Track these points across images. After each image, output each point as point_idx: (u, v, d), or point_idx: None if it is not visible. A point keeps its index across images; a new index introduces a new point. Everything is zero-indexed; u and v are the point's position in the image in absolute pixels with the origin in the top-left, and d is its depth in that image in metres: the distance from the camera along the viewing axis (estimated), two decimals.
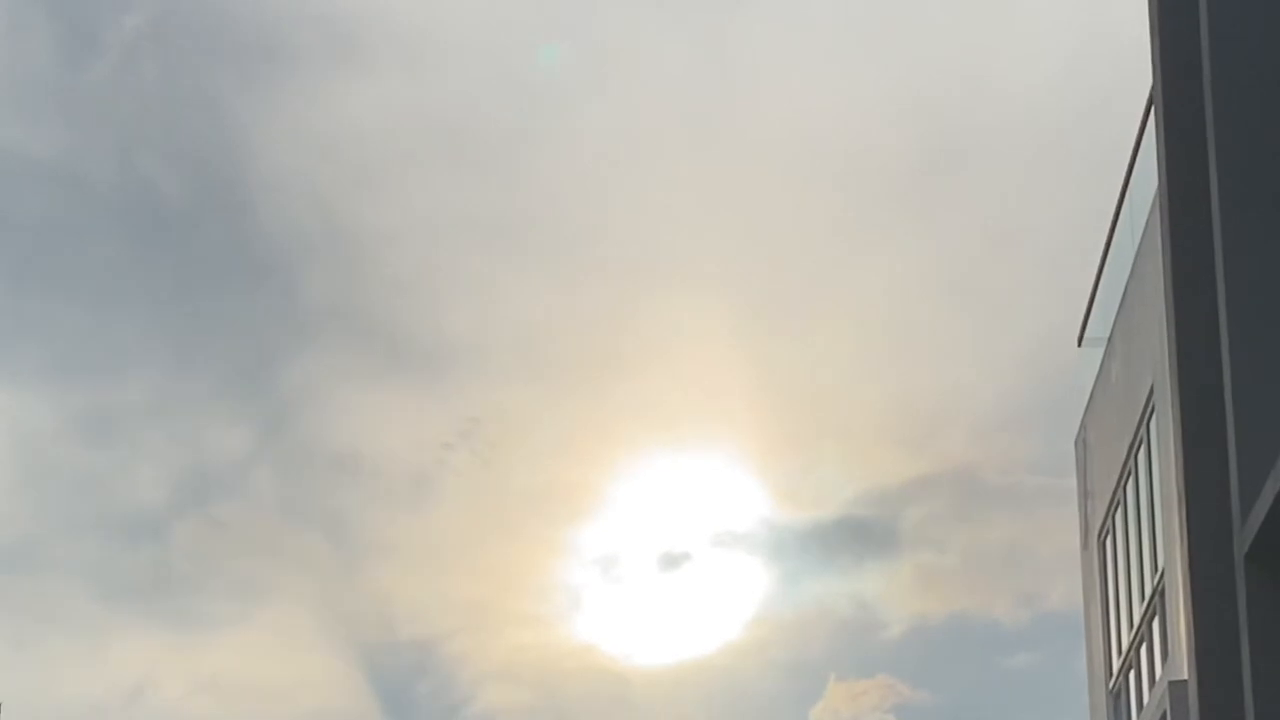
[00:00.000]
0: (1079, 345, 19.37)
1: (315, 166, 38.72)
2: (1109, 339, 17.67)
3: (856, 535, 40.88)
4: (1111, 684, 17.58)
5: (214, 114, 38.42)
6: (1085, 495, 19.11)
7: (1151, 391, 15.04)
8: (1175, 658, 13.80)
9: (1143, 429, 15.61)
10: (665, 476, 40.03)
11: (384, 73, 37.73)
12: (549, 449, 40.19)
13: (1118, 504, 17.10)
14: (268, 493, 40.55)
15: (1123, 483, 16.76)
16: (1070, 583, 19.29)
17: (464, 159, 38.61)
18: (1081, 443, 19.45)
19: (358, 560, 39.94)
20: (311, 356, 40.16)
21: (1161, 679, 14.35)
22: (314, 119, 37.90)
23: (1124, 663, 16.92)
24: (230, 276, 40.16)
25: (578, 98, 38.34)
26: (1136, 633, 16.10)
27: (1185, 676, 11.73)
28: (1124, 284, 16.64)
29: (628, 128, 38.36)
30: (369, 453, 39.84)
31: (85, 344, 39.75)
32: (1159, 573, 14.94)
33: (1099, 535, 18.11)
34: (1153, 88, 12.13)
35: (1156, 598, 15.10)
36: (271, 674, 36.54)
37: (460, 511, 40.73)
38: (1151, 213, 14.52)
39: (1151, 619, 15.45)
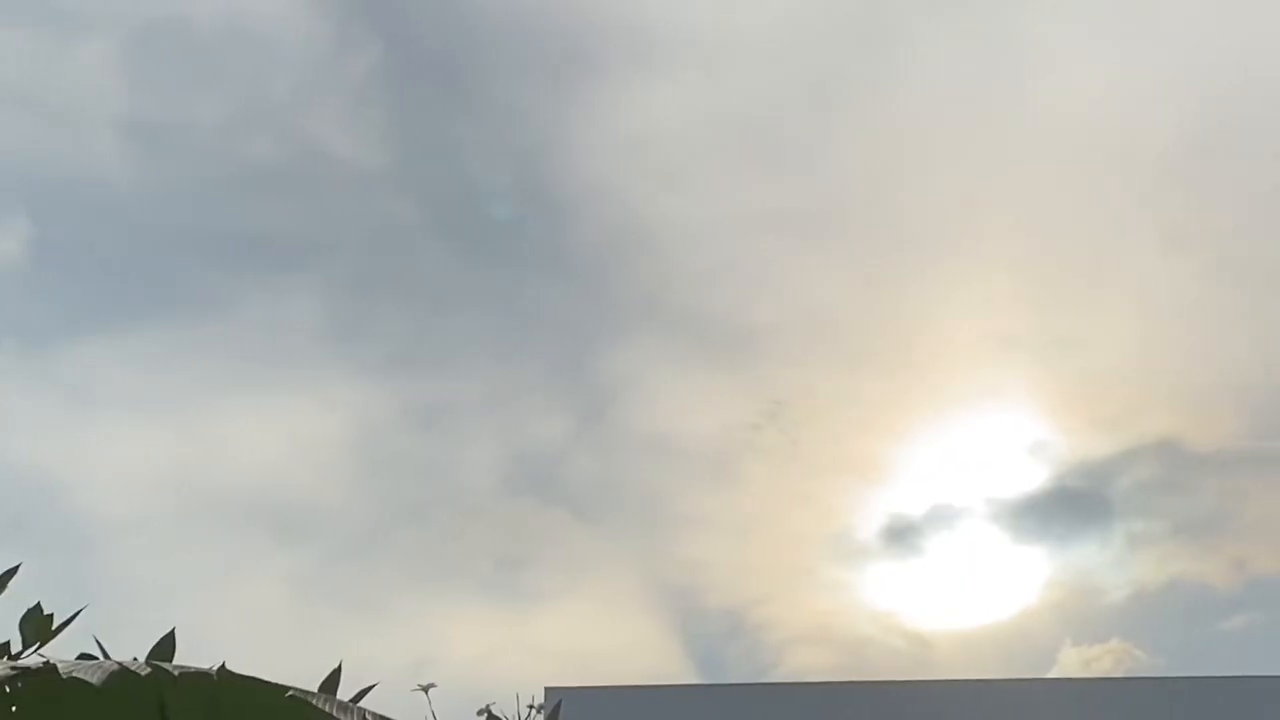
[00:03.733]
0: None
1: (624, 169, 39.76)
2: None
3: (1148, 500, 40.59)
4: None
5: (530, 123, 39.69)
6: None
7: None
8: None
9: None
10: (965, 450, 40.32)
11: (683, 76, 38.58)
12: (850, 427, 40.72)
13: None
14: (588, 475, 41.74)
15: None
16: None
17: (761, 155, 39.31)
18: None
19: (672, 535, 40.90)
20: (626, 348, 41.24)
21: None
22: (621, 124, 38.93)
23: None
24: (550, 275, 41.46)
25: (866, 91, 38.73)
26: None
27: None
28: None
29: (913, 119, 38.65)
30: (680, 435, 40.76)
31: (420, 341, 41.38)
32: None
33: None
34: None
35: None
36: (596, 641, 37.62)
37: (766, 488, 41.45)
38: None
39: None
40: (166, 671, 4.75)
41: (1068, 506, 40.17)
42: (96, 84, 36.93)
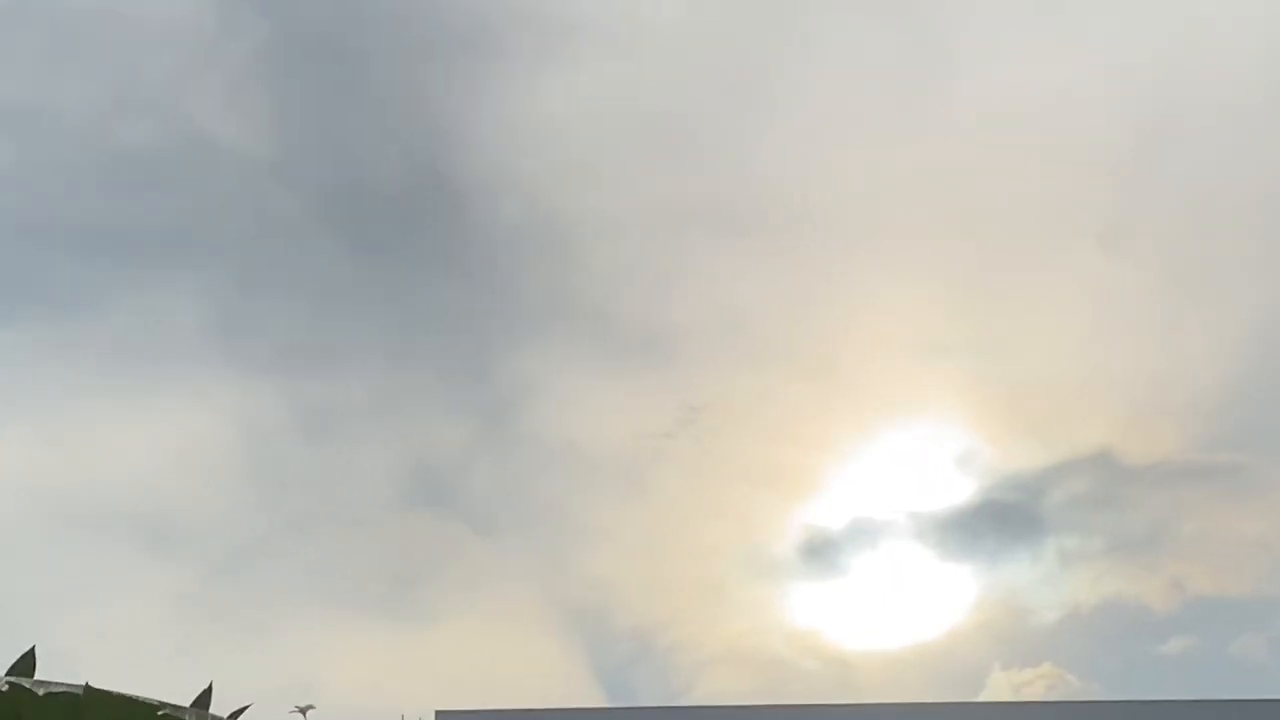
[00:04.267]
0: None
1: (529, 161, 39.73)
2: None
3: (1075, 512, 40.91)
4: None
5: (426, 109, 39.58)
6: None
7: None
8: None
9: None
10: (888, 461, 40.53)
11: (594, 65, 38.60)
12: (768, 435, 40.85)
13: None
14: (489, 486, 41.64)
15: None
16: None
17: (676, 148, 39.40)
18: None
19: (579, 550, 40.86)
20: (531, 349, 41.20)
21: None
22: (526, 113, 38.89)
23: None
24: (449, 271, 41.35)
25: (786, 84, 38.90)
26: None
27: None
28: None
29: (836, 112, 38.87)
30: (589, 443, 40.74)
31: (309, 341, 41.15)
32: None
33: None
34: None
35: None
36: (496, 663, 37.52)
37: (680, 499, 41.50)
38: None
39: None
40: (27, 690, 4.72)
41: (997, 521, 40.40)
42: None
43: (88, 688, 4.80)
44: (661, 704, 31.81)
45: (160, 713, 4.72)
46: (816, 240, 39.68)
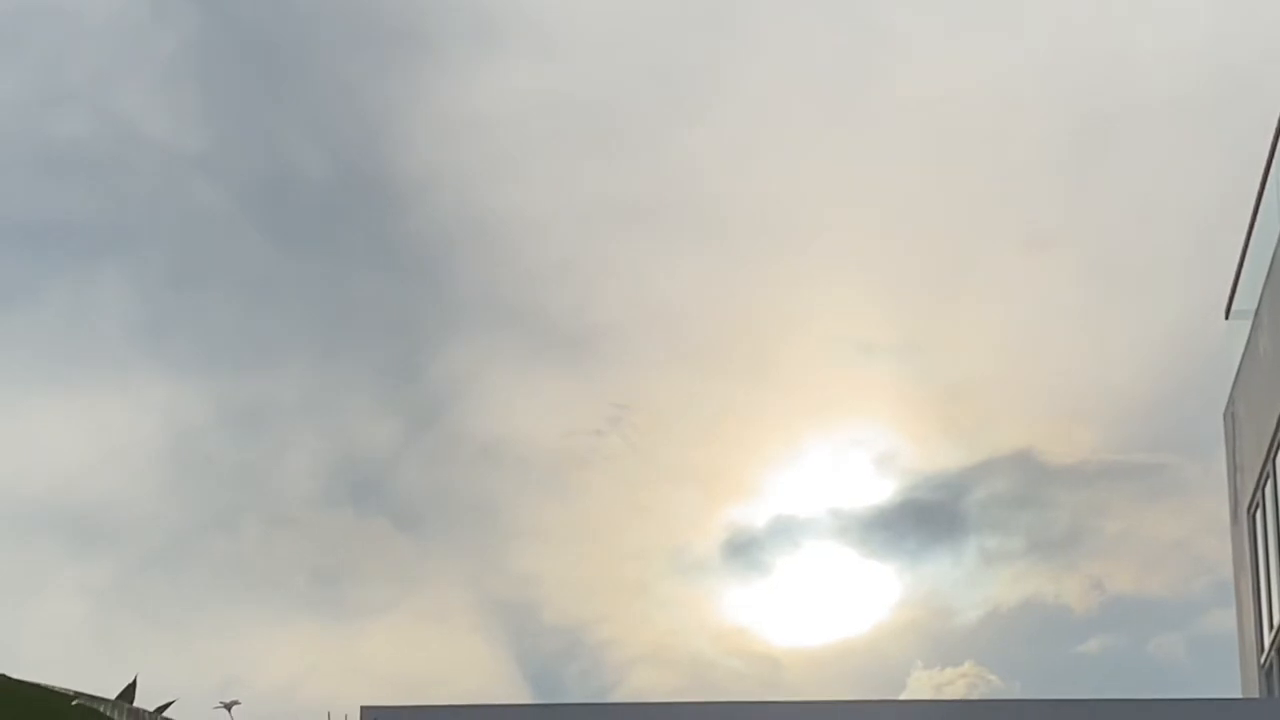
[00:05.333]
0: (1226, 318, 19.81)
1: (458, 154, 39.66)
2: (1256, 311, 18.10)
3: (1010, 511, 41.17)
4: (1263, 659, 18.02)
5: (356, 103, 39.46)
6: (1234, 469, 19.56)
7: None
8: None
9: None
10: (813, 460, 40.70)
11: (524, 58, 38.56)
12: (698, 434, 40.92)
13: (1267, 477, 17.55)
14: (416, 483, 41.57)
15: (1272, 456, 17.20)
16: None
17: (606, 143, 39.41)
18: (1230, 416, 19.89)
19: (507, 547, 40.84)
20: (460, 345, 41.13)
21: None
22: (456, 107, 38.82)
23: (1276, 637, 17.35)
24: (377, 267, 41.23)
25: (716, 79, 38.98)
26: None
27: None
28: (1271, 255, 17.08)
29: (769, 107, 38.96)
30: (518, 440, 40.70)
31: (235, 337, 40.96)
32: None
33: (1249, 509, 18.56)
34: None
35: None
36: (422, 661, 37.49)
37: (610, 498, 41.56)
38: None
39: None
40: None
41: (919, 520, 40.61)
42: None
43: (1, 676, 4.74)
44: (588, 701, 31.80)
45: (75, 702, 4.66)
46: (746, 238, 39.78)
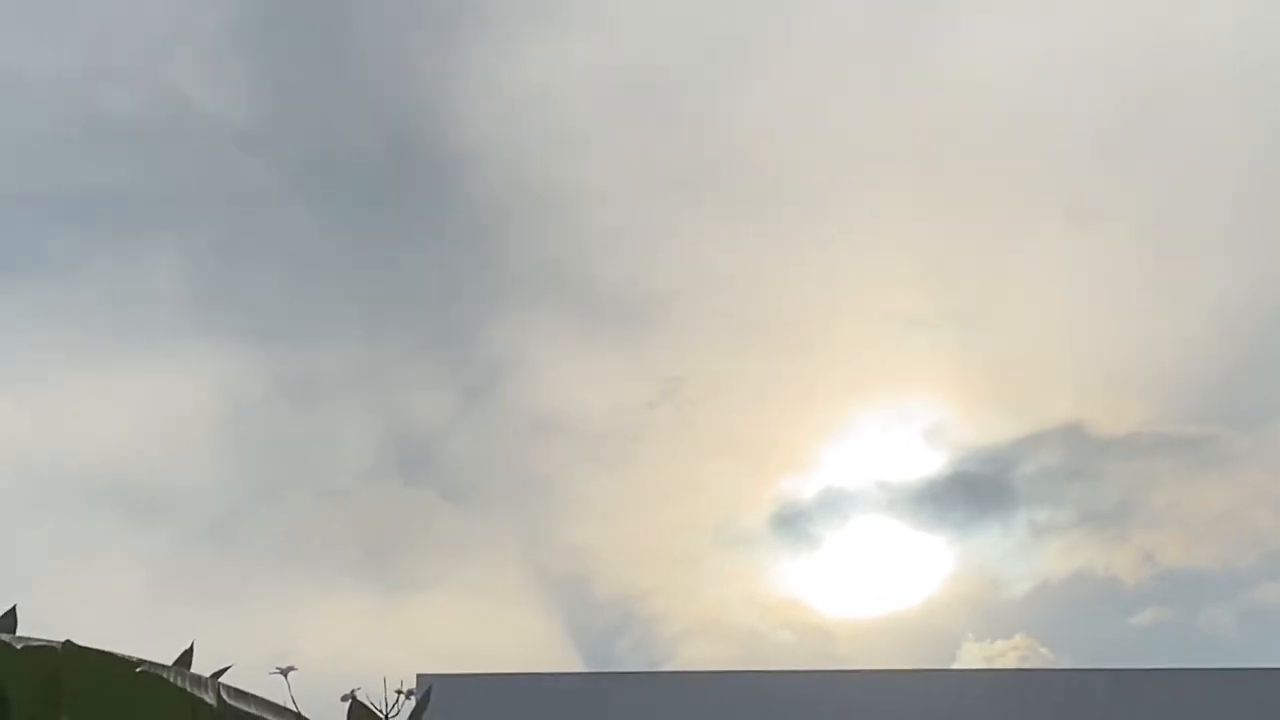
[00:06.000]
0: None
1: (511, 126, 39.66)
2: None
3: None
4: None
5: (408, 75, 39.49)
6: None
7: None
8: None
9: None
10: (862, 433, 40.63)
11: (577, 30, 38.49)
12: (749, 407, 40.88)
13: None
14: (470, 455, 41.66)
15: None
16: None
17: (659, 116, 39.35)
18: None
19: (559, 521, 40.91)
20: (512, 317, 41.18)
21: None
22: (508, 78, 38.80)
23: None
24: (429, 239, 41.29)
25: (770, 47, 38.86)
26: None
27: None
28: None
29: (822, 80, 38.82)
30: (570, 413, 40.75)
31: (288, 309, 41.10)
32: None
33: None
34: None
35: None
36: (476, 632, 37.58)
37: (661, 470, 41.55)
38: None
39: None
40: (5, 644, 4.71)
41: (968, 493, 40.54)
42: None
43: (67, 643, 4.80)
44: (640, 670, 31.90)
45: (139, 669, 4.72)
46: (798, 211, 39.72)
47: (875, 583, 39.92)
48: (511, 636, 38.01)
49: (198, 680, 4.81)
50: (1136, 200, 39.15)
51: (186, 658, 5.40)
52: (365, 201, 40.75)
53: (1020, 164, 38.97)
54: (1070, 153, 38.73)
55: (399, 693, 9.03)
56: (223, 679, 5.39)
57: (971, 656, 36.06)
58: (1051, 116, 38.36)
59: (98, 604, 32.52)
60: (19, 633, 5.36)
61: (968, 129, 38.32)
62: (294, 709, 5.28)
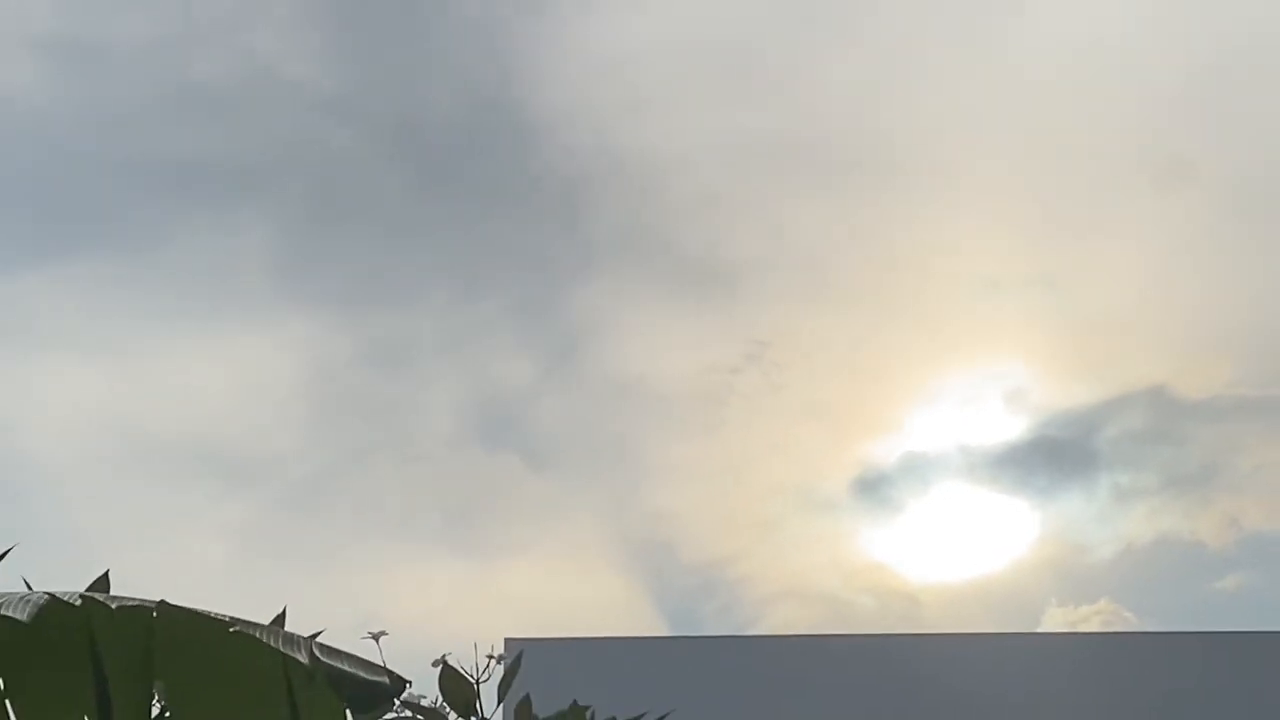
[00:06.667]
0: None
1: (596, 92, 39.59)
2: None
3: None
4: None
5: (493, 40, 39.49)
6: None
7: None
8: None
9: None
10: (944, 396, 40.46)
11: None
12: (837, 370, 40.77)
13: None
14: (554, 420, 41.74)
15: None
16: None
17: (744, 80, 39.17)
18: None
19: (644, 485, 40.96)
20: (597, 282, 41.17)
21: None
22: (593, 43, 38.73)
23: None
24: (514, 204, 41.32)
25: (858, 12, 38.63)
26: None
27: None
28: None
29: (905, 42, 38.55)
30: (655, 378, 40.75)
31: (377, 275, 41.25)
32: None
33: None
34: None
35: None
36: (561, 596, 37.70)
37: (747, 434, 41.50)
38: None
39: None
40: (101, 603, 4.73)
41: (1051, 457, 40.34)
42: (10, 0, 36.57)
43: (161, 603, 4.81)
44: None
45: (232, 628, 4.73)
46: (880, 173, 39.51)
47: (958, 547, 39.77)
48: (598, 601, 38.13)
49: (290, 639, 4.81)
50: (1224, 161, 38.70)
51: (279, 622, 5.42)
52: (449, 167, 40.82)
53: (1106, 125, 38.61)
54: (1157, 113, 38.32)
55: (489, 657, 9.07)
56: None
57: (1055, 621, 35.90)
58: (1139, 76, 37.98)
59: (188, 569, 32.81)
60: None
61: (1054, 87, 37.98)
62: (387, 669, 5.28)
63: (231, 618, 4.72)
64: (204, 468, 38.94)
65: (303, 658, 4.68)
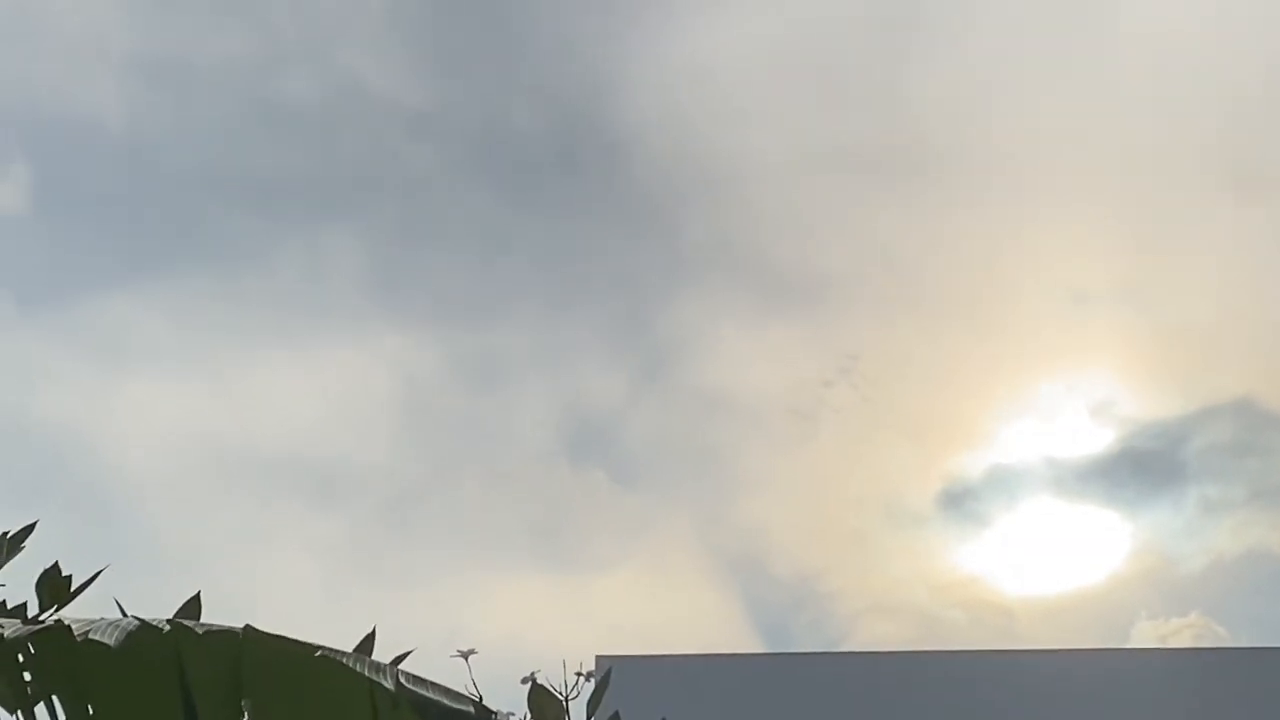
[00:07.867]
0: None
1: (685, 104, 39.58)
2: None
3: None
4: None
5: (580, 54, 39.55)
6: None
7: None
8: None
9: None
10: (1029, 409, 40.21)
11: (750, 5, 38.35)
12: (928, 383, 40.57)
13: None
14: (646, 434, 41.71)
15: None
16: None
17: (834, 92, 39.07)
18: None
19: (735, 499, 40.87)
20: (688, 296, 41.14)
21: None
22: (680, 56, 38.72)
23: None
24: (604, 218, 41.35)
25: (947, 22, 38.46)
26: None
27: None
28: None
29: (993, 52, 38.36)
30: (746, 391, 40.69)
31: (464, 290, 41.38)
32: None
33: None
34: None
35: None
36: (652, 611, 37.68)
37: (839, 448, 41.36)
38: None
39: None
40: (188, 629, 4.75)
41: (1137, 469, 40.04)
42: (104, 18, 36.95)
43: (248, 628, 4.83)
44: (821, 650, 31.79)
45: (318, 654, 4.73)
46: (969, 184, 39.31)
47: (1045, 561, 39.50)
48: (688, 616, 38.07)
49: (376, 666, 4.82)
50: None
51: (368, 643, 5.42)
52: (536, 182, 40.92)
53: (1191, 134, 38.26)
54: (1241, 121, 37.94)
55: (579, 674, 9.03)
56: (403, 665, 5.40)
57: (1146, 634, 35.58)
58: (1222, 84, 37.60)
59: (278, 586, 33.02)
60: (202, 618, 5.40)
61: (1138, 97, 37.69)
62: (474, 693, 5.27)
63: (317, 644, 4.73)
64: (295, 484, 39.18)
65: (389, 684, 4.68)
